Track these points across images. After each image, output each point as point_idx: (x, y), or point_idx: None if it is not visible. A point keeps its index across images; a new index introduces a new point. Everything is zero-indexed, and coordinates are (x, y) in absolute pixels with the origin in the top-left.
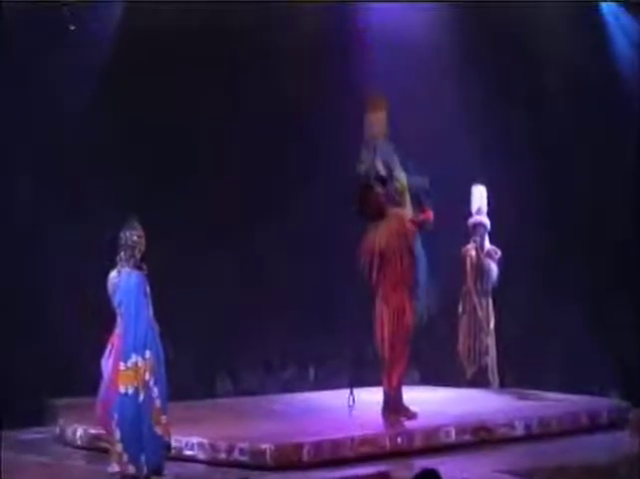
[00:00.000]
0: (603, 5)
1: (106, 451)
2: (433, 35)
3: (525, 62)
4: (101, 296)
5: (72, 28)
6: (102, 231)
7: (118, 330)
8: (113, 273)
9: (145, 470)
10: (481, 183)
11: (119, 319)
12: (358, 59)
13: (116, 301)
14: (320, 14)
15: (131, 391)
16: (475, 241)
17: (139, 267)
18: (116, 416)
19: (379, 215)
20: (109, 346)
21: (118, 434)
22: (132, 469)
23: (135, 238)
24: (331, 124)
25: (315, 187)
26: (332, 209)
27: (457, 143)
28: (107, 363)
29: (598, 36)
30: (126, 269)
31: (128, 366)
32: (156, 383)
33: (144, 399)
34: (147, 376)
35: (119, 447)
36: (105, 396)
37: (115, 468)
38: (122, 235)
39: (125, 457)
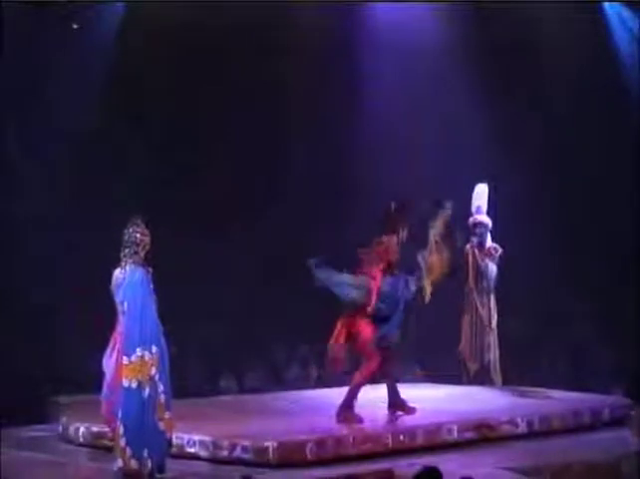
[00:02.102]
0: (606, 5)
1: (108, 449)
2: (435, 36)
3: (528, 62)
4: (104, 295)
5: (75, 27)
6: (104, 230)
7: (119, 328)
8: (117, 270)
9: (149, 465)
10: (483, 181)
11: (120, 317)
12: (360, 58)
13: (119, 298)
14: (323, 13)
15: (134, 385)
16: (472, 241)
17: (143, 265)
18: (120, 411)
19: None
20: (110, 344)
21: (121, 429)
22: (134, 464)
23: (138, 235)
24: (332, 122)
25: (316, 186)
26: (333, 209)
27: (460, 143)
28: (108, 361)
29: (601, 35)
30: (130, 266)
31: (131, 360)
32: (160, 379)
33: (149, 394)
34: (152, 371)
35: (122, 442)
36: (108, 394)
37: (119, 463)
38: (125, 231)
39: (128, 452)
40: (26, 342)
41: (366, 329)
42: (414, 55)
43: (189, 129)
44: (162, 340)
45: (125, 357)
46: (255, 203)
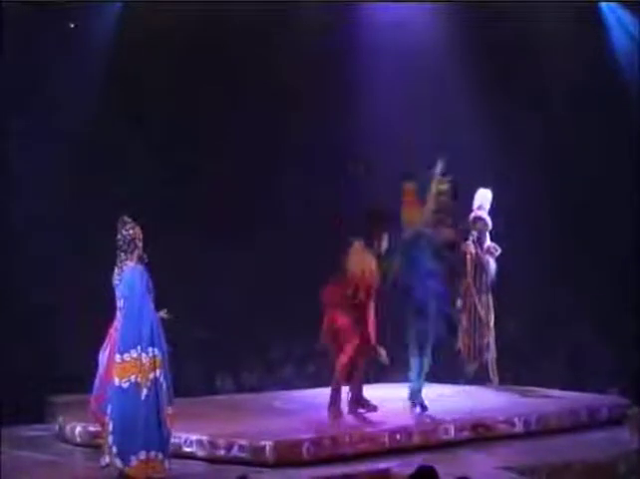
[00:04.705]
0: (603, 5)
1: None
2: (435, 36)
3: (527, 63)
4: (104, 295)
5: (72, 26)
6: (104, 230)
7: (116, 323)
8: (116, 269)
9: (167, 465)
10: (484, 184)
11: (118, 313)
12: (360, 58)
13: (118, 294)
14: (322, 12)
15: (125, 385)
16: (472, 236)
17: (142, 260)
18: (109, 408)
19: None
20: (106, 339)
21: (110, 426)
22: (118, 463)
23: (131, 231)
24: (331, 122)
25: (316, 186)
26: (333, 209)
27: (459, 143)
28: (103, 356)
29: (599, 35)
30: (129, 264)
31: (124, 359)
32: (165, 378)
33: (149, 395)
34: (156, 373)
35: (110, 439)
36: (99, 388)
37: (106, 460)
38: (118, 235)
39: (114, 450)
40: (26, 342)
41: (342, 319)
42: (413, 55)
43: (189, 129)
44: (163, 340)
45: (117, 355)
46: (255, 202)
